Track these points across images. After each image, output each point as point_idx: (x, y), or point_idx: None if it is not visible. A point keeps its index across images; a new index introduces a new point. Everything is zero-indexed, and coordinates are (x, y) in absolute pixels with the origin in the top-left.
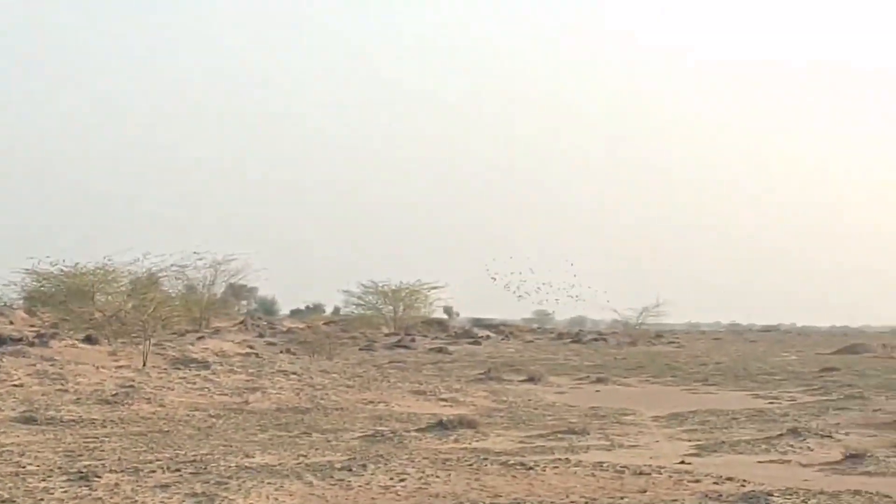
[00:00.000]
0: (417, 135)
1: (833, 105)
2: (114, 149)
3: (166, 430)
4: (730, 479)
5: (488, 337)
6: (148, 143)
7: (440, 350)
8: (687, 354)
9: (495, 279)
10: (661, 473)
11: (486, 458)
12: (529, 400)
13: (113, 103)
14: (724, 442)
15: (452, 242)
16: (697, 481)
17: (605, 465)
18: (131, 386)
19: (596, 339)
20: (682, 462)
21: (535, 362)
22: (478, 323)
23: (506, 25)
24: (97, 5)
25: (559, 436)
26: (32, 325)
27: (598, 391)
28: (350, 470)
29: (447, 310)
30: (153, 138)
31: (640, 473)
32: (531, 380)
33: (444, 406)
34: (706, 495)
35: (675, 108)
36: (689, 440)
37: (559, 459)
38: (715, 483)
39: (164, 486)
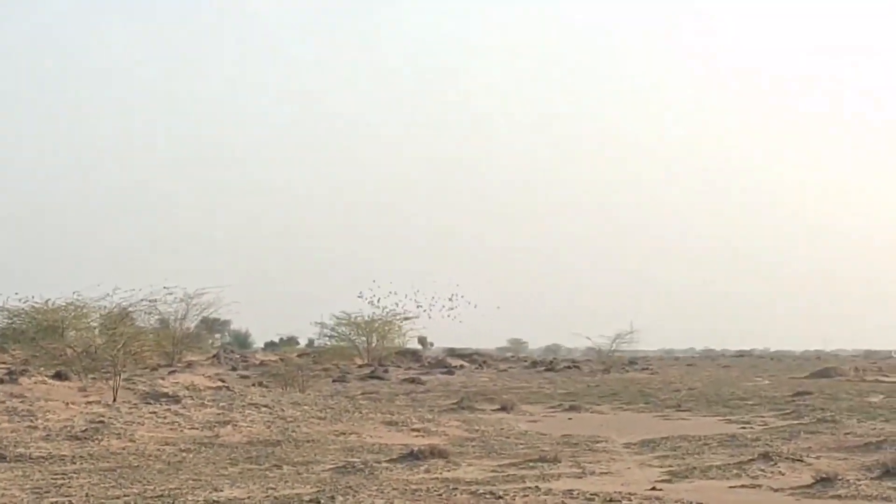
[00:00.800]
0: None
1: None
2: (78, 182)
3: (136, 465)
4: None
5: (462, 367)
6: (114, 178)
7: (413, 380)
8: (660, 380)
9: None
10: (631, 500)
11: (455, 488)
12: (502, 429)
13: (75, 135)
14: (695, 468)
15: (427, 274)
16: None
17: (575, 492)
18: (101, 421)
19: (570, 367)
20: (654, 489)
21: (508, 391)
22: (452, 353)
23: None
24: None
25: (531, 464)
26: (3, 363)
27: (570, 419)
28: (318, 502)
29: (421, 340)
30: (119, 173)
31: (611, 500)
32: (504, 409)
33: (416, 436)
34: None
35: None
36: (661, 466)
37: (529, 488)
38: None
39: None
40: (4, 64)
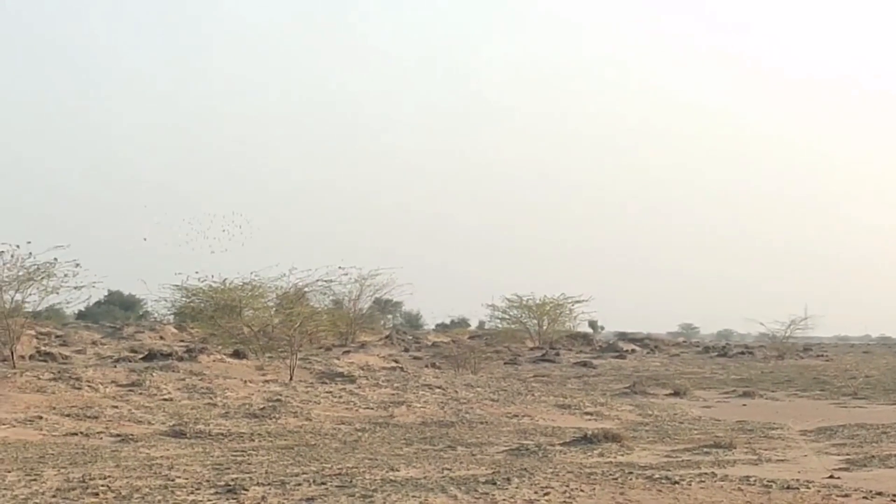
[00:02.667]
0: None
1: None
2: (251, 166)
3: (313, 443)
4: (880, 493)
5: (633, 351)
6: (283, 165)
7: (585, 364)
8: (836, 368)
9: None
10: (809, 488)
11: (631, 473)
12: (675, 414)
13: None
14: (874, 456)
15: (597, 255)
16: (847, 496)
17: (752, 479)
18: (278, 400)
19: (742, 353)
20: (831, 477)
21: (680, 376)
22: (623, 337)
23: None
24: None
25: (705, 450)
26: (182, 341)
27: (744, 405)
28: (494, 483)
29: (592, 324)
30: (288, 160)
31: (788, 488)
32: (677, 393)
33: (589, 420)
34: None
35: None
36: (839, 454)
37: (705, 474)
38: (864, 498)
39: (310, 499)
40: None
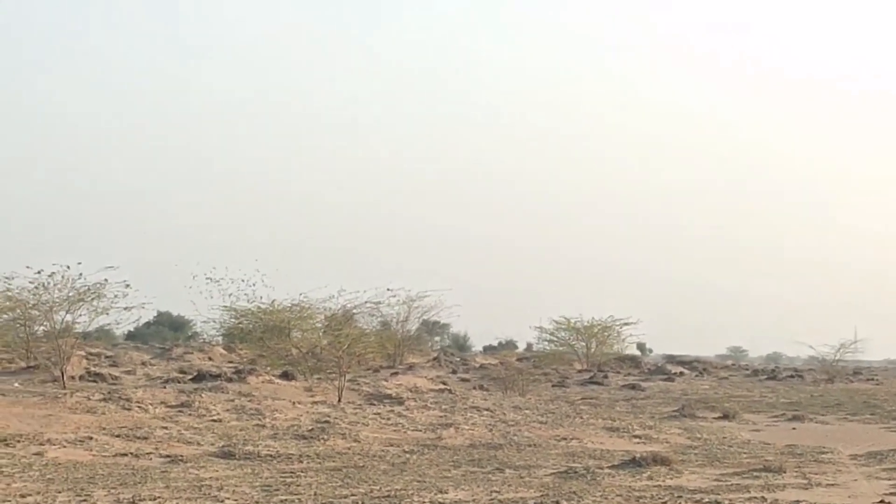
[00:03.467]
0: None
1: None
2: (287, 188)
3: (361, 465)
4: None
5: (682, 373)
6: (319, 188)
7: (633, 386)
8: (886, 391)
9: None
10: None
11: (680, 496)
12: (724, 437)
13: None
14: None
15: (643, 279)
16: None
17: (802, 503)
18: (327, 421)
19: (792, 376)
20: (882, 501)
21: (729, 399)
22: (671, 359)
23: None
24: None
25: (755, 474)
26: (231, 362)
27: (794, 429)
28: None
29: (640, 346)
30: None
31: None
32: (726, 417)
33: (638, 443)
34: None
35: None
36: (889, 479)
37: (755, 498)
38: None
39: None
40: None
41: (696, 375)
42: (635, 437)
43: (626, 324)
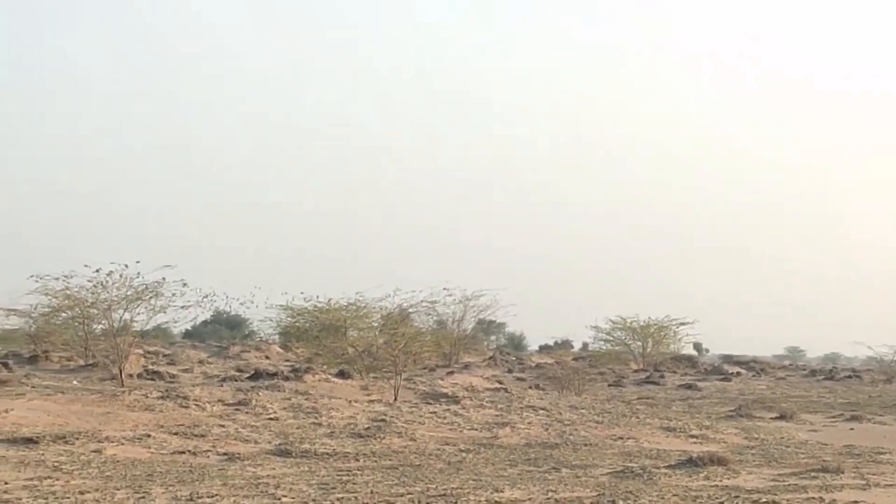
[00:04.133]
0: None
1: None
2: (361, 182)
3: (417, 463)
4: None
5: (739, 373)
6: (394, 176)
7: (689, 386)
8: None
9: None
10: None
11: (737, 496)
12: (781, 437)
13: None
14: None
15: (702, 277)
16: None
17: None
18: (383, 420)
19: (850, 377)
20: None
21: (786, 399)
22: (728, 359)
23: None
24: None
25: (812, 474)
26: (287, 360)
27: (851, 429)
28: None
29: (697, 346)
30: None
31: None
32: (783, 417)
33: (694, 443)
34: None
35: None
36: None
37: (812, 498)
38: None
39: None
40: None
41: (754, 375)
42: (692, 436)
43: (682, 323)
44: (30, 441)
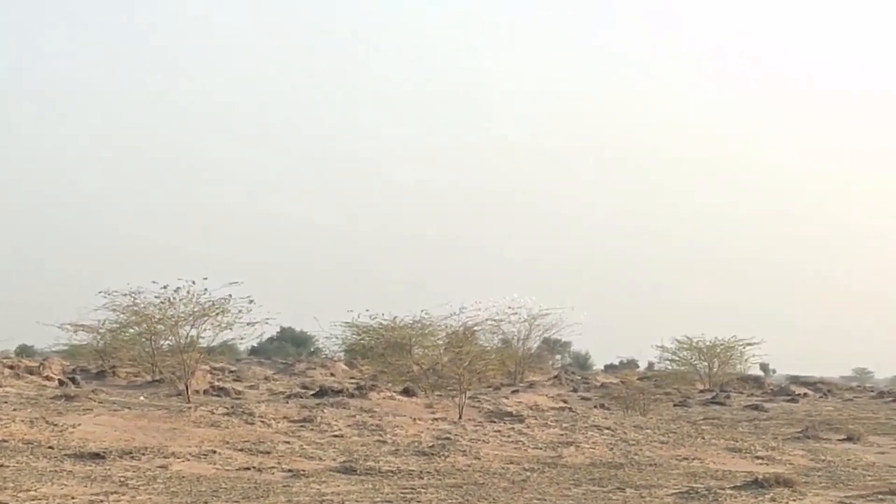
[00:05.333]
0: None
1: None
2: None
3: (481, 482)
4: None
5: (805, 394)
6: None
7: (756, 407)
8: None
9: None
10: None
11: None
12: (849, 459)
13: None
14: None
15: (768, 299)
16: None
17: None
18: (447, 438)
19: None
20: None
21: (854, 421)
22: (795, 380)
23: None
24: None
25: (880, 497)
26: (352, 377)
27: None
28: None
29: (763, 366)
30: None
31: None
32: (850, 439)
33: (760, 464)
34: None
35: None
36: None
37: None
38: None
39: None
40: None
41: (821, 397)
42: (758, 457)
43: (749, 344)
44: (97, 456)
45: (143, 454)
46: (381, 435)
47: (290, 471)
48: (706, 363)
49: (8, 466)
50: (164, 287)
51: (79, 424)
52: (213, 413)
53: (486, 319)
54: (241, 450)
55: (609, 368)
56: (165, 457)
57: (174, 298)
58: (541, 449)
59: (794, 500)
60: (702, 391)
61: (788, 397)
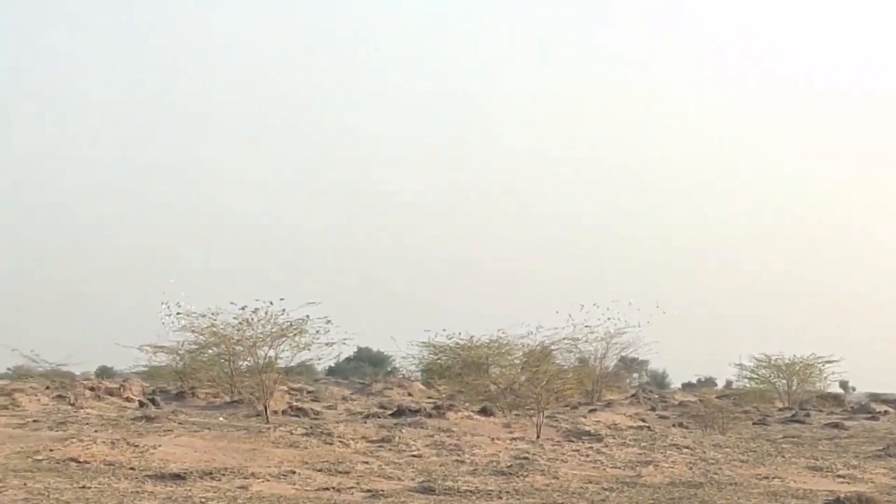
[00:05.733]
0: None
1: None
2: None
3: (560, 502)
4: None
5: (886, 412)
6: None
7: (836, 425)
8: None
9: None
10: None
11: None
12: None
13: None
14: None
15: (849, 315)
16: None
17: None
18: (525, 458)
19: None
20: None
21: None
22: (875, 398)
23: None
24: None
25: None
26: (430, 397)
27: None
28: None
29: (843, 384)
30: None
31: None
32: None
33: (842, 483)
34: None
35: None
36: None
37: None
38: None
39: None
40: None
41: None
42: (839, 476)
43: (828, 361)
44: (177, 477)
45: (224, 475)
46: (459, 455)
47: (369, 491)
48: (785, 381)
49: (90, 488)
50: (243, 308)
51: (159, 445)
52: (292, 433)
53: (563, 338)
54: (320, 470)
55: (687, 387)
56: (245, 477)
57: (252, 319)
58: (620, 468)
59: None
60: (781, 409)
61: (869, 415)
